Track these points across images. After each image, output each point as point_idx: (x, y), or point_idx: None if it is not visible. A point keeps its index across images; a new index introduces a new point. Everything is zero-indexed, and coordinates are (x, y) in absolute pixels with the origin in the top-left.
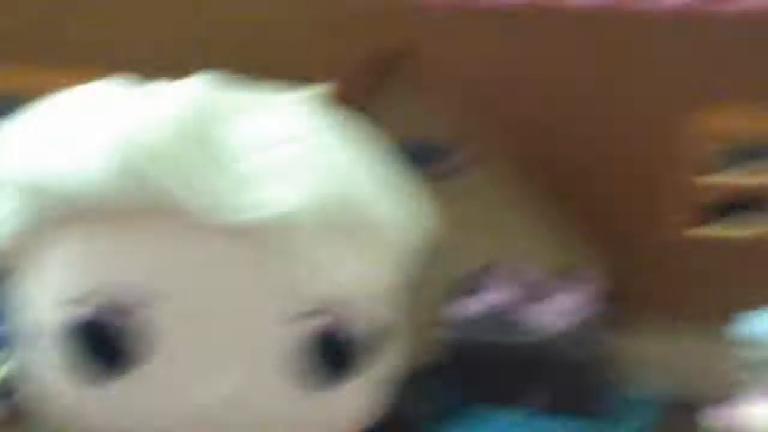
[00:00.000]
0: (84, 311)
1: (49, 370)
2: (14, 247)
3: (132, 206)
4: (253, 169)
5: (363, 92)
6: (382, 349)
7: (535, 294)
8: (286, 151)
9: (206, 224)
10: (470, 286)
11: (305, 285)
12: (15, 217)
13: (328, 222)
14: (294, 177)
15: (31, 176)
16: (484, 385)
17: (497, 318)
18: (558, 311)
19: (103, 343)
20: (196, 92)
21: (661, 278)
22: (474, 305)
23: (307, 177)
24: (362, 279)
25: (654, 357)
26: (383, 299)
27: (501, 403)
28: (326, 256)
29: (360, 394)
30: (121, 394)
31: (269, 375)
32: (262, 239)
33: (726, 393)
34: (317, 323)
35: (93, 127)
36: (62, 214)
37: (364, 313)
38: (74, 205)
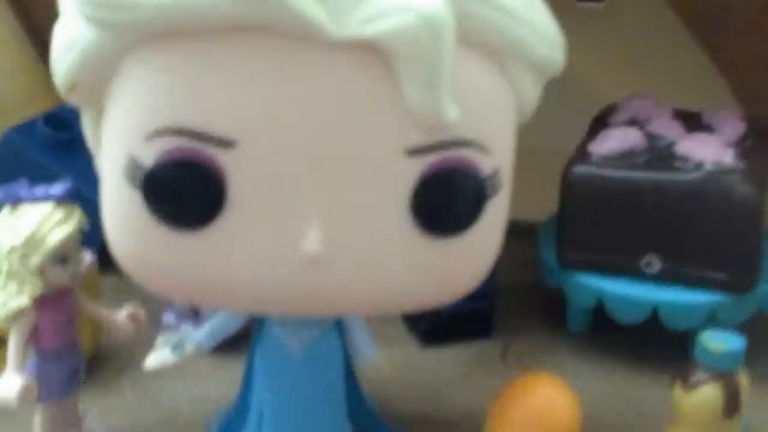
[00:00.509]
0: (168, 146)
1: (128, 216)
2: (90, 77)
3: (237, 16)
4: None
5: None
6: (501, 194)
7: (685, 129)
8: None
9: (321, 40)
10: (610, 120)
11: (433, 111)
12: (92, 40)
13: (465, 37)
14: None
15: None
16: (616, 229)
17: (647, 153)
18: (710, 147)
19: (187, 183)
20: None
21: None
22: (614, 141)
23: None
24: (492, 109)
25: None
26: (509, 138)
27: (636, 251)
28: (460, 78)
29: (481, 241)
30: (209, 243)
31: (384, 217)
32: (386, 56)
33: None
34: (440, 159)
35: None
36: (149, 32)
37: (490, 152)
38: (169, 17)
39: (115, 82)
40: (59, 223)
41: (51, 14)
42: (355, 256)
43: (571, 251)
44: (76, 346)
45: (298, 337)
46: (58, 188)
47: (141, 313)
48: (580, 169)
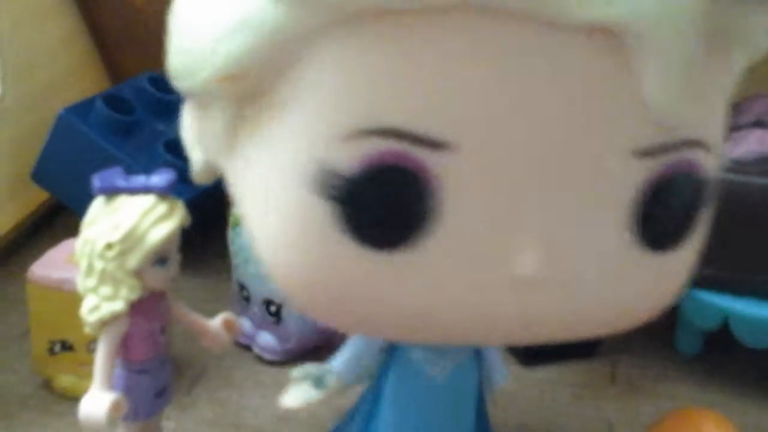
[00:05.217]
0: (373, 150)
1: (307, 231)
2: (262, 65)
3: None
4: None
5: None
6: (711, 206)
7: None
8: None
9: (561, 22)
10: (732, 121)
11: (673, 108)
12: (275, 19)
13: (700, 27)
14: None
15: None
16: (748, 242)
17: None
18: None
19: (397, 194)
20: None
21: None
22: (749, 144)
23: None
24: (718, 102)
25: None
26: (722, 146)
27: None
28: (695, 71)
29: (689, 255)
30: (410, 263)
31: (604, 229)
32: (629, 43)
33: None
34: (669, 162)
35: None
36: (351, 9)
37: (713, 151)
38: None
39: (297, 72)
40: (162, 218)
41: None
42: (572, 274)
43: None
44: (166, 360)
45: (441, 363)
46: (159, 179)
47: (236, 320)
48: None
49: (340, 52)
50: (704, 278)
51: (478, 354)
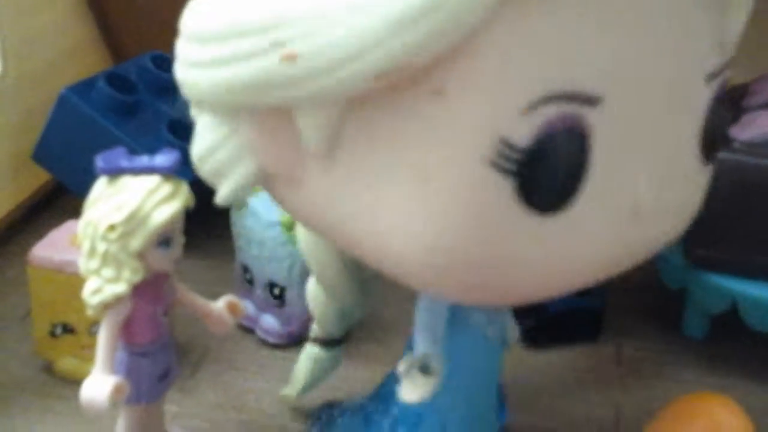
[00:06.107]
0: (548, 116)
1: (482, 210)
2: (435, 53)
3: None
4: None
5: None
6: None
7: None
8: None
9: None
10: (745, 103)
11: (736, 32)
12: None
13: None
14: None
15: None
16: (760, 225)
17: None
18: None
19: (570, 155)
20: None
21: None
22: (763, 126)
23: None
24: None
25: None
26: None
27: None
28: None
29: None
30: (570, 221)
31: (690, 153)
32: None
33: None
34: (721, 82)
35: None
36: None
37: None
38: None
39: (467, 51)
40: (165, 199)
41: None
42: (669, 198)
43: (702, 248)
44: (168, 342)
45: (495, 323)
46: (164, 159)
47: (239, 303)
48: (722, 156)
49: (509, 28)
50: (713, 261)
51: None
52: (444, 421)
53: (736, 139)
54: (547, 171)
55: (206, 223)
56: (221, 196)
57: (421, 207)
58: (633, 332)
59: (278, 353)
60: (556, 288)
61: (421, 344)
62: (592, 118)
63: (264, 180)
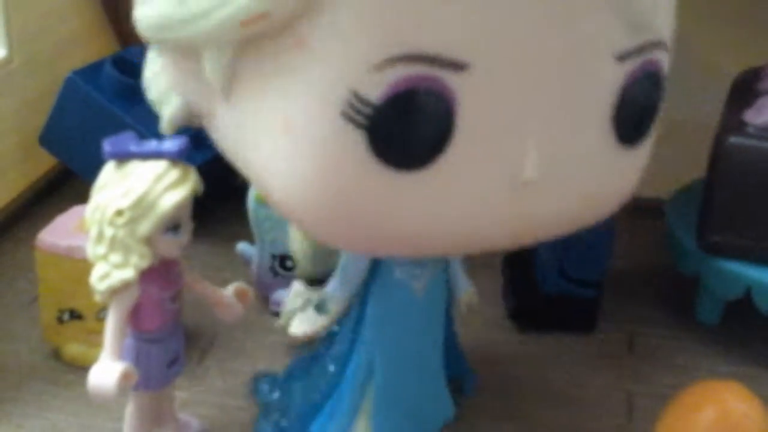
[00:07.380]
0: (400, 76)
1: (339, 158)
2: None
3: None
4: None
5: None
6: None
7: None
8: None
9: None
10: (759, 87)
11: (649, 11)
12: None
13: None
14: None
15: None
16: None
17: None
18: None
19: (422, 116)
20: None
21: None
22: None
23: None
24: (671, 3)
25: None
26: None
27: None
28: None
29: (645, 154)
30: (431, 180)
31: (592, 130)
32: None
33: None
34: (641, 63)
35: None
36: None
37: (668, 51)
38: None
39: (327, 5)
40: (174, 185)
41: None
42: (565, 174)
43: (717, 234)
44: (178, 329)
45: (421, 278)
46: (172, 144)
47: (249, 289)
48: (737, 140)
49: None
50: (726, 247)
51: (446, 266)
52: (371, 362)
53: (750, 123)
54: (399, 128)
55: (215, 209)
56: (162, 125)
57: (287, 153)
58: (646, 319)
59: (287, 340)
60: (434, 246)
61: (331, 284)
62: (456, 82)
63: (194, 115)
